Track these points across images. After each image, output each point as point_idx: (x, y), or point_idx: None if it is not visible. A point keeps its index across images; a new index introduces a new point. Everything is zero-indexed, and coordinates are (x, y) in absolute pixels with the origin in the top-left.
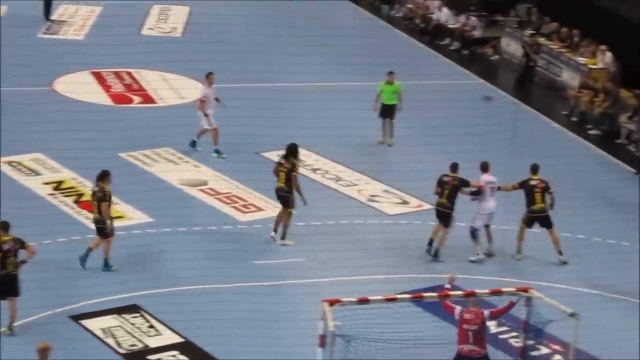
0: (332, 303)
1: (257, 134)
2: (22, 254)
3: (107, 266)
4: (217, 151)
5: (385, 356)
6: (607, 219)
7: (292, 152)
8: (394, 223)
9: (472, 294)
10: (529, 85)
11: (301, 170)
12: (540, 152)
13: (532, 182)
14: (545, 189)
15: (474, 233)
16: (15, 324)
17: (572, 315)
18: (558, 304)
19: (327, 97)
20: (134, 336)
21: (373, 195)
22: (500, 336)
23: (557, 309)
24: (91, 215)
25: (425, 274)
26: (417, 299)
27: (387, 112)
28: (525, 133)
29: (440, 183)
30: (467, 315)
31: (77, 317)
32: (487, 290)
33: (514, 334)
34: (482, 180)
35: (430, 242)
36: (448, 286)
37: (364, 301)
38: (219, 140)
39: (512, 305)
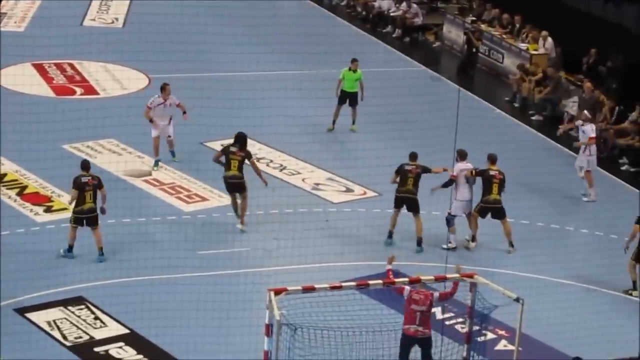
0: (277, 292)
1: (201, 123)
2: None
3: (101, 255)
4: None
5: (331, 344)
6: (550, 204)
7: (244, 141)
8: (339, 211)
9: (417, 281)
10: (471, 71)
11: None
12: (483, 138)
13: (491, 172)
14: (503, 181)
15: (449, 220)
16: None
17: (517, 300)
18: (503, 289)
19: (270, 86)
20: (79, 328)
21: (317, 184)
22: (446, 322)
23: (503, 294)
24: (35, 208)
25: (370, 261)
26: (362, 286)
27: (348, 99)
28: (469, 119)
29: (402, 172)
30: (415, 296)
31: (22, 310)
32: (431, 277)
33: (460, 319)
34: (457, 168)
35: (391, 235)
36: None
37: (309, 289)
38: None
39: (456, 285)
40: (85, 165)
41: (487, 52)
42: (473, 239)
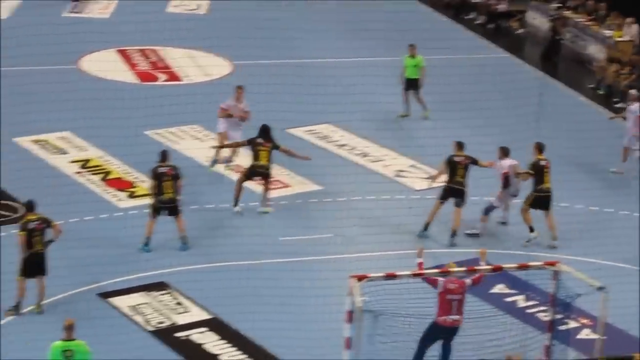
0: (359, 279)
1: (283, 110)
2: (49, 234)
3: (185, 244)
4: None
5: (413, 331)
6: (636, 192)
7: (268, 132)
8: (421, 198)
9: (499, 269)
10: (555, 58)
11: (327, 145)
12: (566, 126)
13: (542, 163)
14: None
15: (489, 210)
16: (44, 302)
17: (600, 288)
18: (586, 278)
19: (352, 72)
20: (161, 313)
21: (400, 171)
22: (528, 310)
23: (586, 282)
24: (118, 193)
25: (453, 249)
26: (444, 273)
27: (411, 85)
28: (552, 107)
29: (451, 163)
30: (451, 285)
31: (105, 295)
32: (514, 265)
33: (542, 308)
34: (505, 165)
35: (427, 227)
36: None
37: (391, 276)
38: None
39: (482, 274)
40: (164, 155)
41: (572, 39)
42: (532, 229)
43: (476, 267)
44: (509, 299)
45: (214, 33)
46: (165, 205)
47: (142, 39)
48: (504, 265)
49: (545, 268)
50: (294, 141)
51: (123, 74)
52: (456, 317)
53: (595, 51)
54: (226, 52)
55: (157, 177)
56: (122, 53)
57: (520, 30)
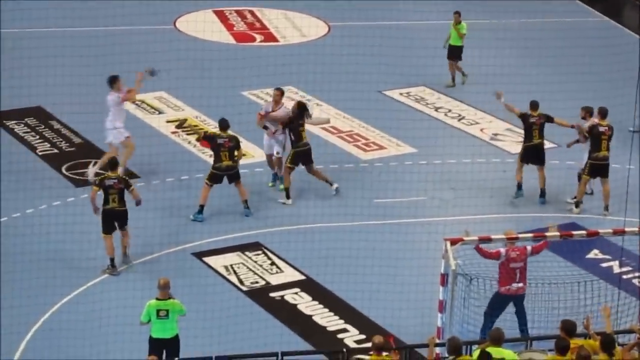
0: (454, 242)
1: (380, 72)
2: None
3: (247, 208)
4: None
5: None
6: None
7: (305, 109)
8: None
9: (595, 234)
10: None
11: (423, 108)
12: None
13: (601, 129)
14: (611, 137)
15: (581, 176)
16: (139, 261)
17: None
18: None
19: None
20: (256, 273)
21: (496, 134)
22: (624, 276)
23: None
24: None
25: (546, 213)
26: (538, 237)
27: (453, 52)
28: None
29: (529, 124)
30: (513, 254)
31: (200, 255)
32: (610, 230)
33: (638, 274)
34: (591, 123)
35: (520, 186)
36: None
37: (486, 240)
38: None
39: (546, 242)
40: (223, 124)
41: None
42: (577, 204)
43: (573, 232)
44: (604, 265)
45: None
46: (224, 172)
47: None
48: (599, 230)
49: (638, 234)
50: (390, 103)
51: (219, 34)
52: (520, 284)
53: None
54: (322, 13)
55: (216, 146)
56: (219, 14)
57: None
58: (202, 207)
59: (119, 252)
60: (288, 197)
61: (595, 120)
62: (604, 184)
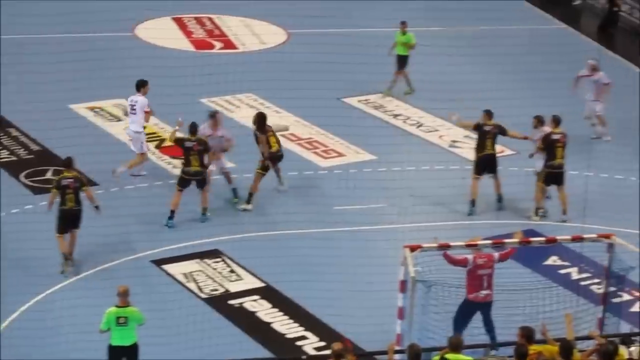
0: (413, 249)
1: (338, 79)
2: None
3: (204, 214)
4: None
5: None
6: None
7: (265, 120)
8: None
9: (554, 241)
10: (612, 30)
11: (381, 115)
12: (623, 98)
13: (555, 137)
14: (566, 144)
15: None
16: (98, 268)
17: None
18: None
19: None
20: (215, 281)
21: (454, 141)
22: (582, 283)
23: None
24: (173, 161)
25: (506, 220)
26: (497, 244)
27: (399, 62)
28: (609, 79)
29: (482, 132)
30: (480, 261)
31: (159, 262)
32: (568, 237)
33: (596, 280)
34: (542, 133)
35: (473, 203)
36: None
37: (444, 247)
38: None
39: (514, 249)
40: (193, 128)
41: (629, 11)
42: (537, 211)
43: (531, 239)
44: (563, 271)
45: (270, 1)
46: (192, 177)
47: (197, 6)
48: (558, 237)
49: (599, 240)
50: (349, 110)
51: (179, 41)
52: (487, 291)
53: None
54: (281, 21)
55: (185, 150)
56: (178, 21)
57: (577, 2)
58: (172, 212)
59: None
60: (249, 202)
61: (546, 129)
62: (560, 191)
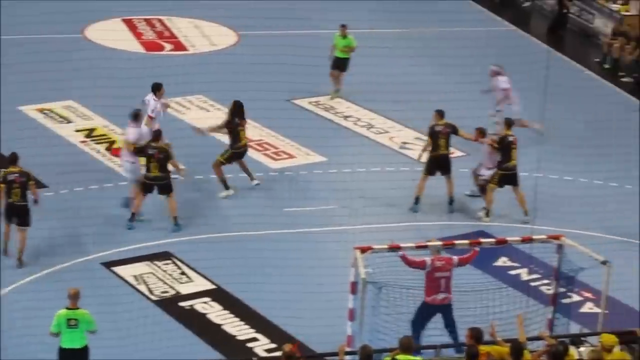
0: (363, 250)
1: (289, 81)
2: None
3: (176, 225)
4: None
5: (417, 303)
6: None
7: (243, 109)
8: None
9: (504, 242)
10: (561, 32)
11: (332, 117)
12: (573, 100)
13: (510, 138)
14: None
15: (483, 187)
16: (48, 271)
17: (603, 262)
18: (590, 252)
19: (360, 44)
20: (165, 283)
21: (405, 142)
22: (532, 284)
23: (589, 256)
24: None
25: (456, 222)
26: (448, 246)
27: (339, 64)
28: (558, 80)
29: (434, 133)
30: (438, 263)
31: (109, 264)
32: (518, 238)
33: (546, 281)
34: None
35: (418, 200)
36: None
37: (395, 248)
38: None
39: (476, 253)
40: (156, 135)
41: (578, 13)
42: (487, 213)
43: (481, 240)
44: (513, 272)
45: (220, 3)
46: (153, 182)
47: (147, 8)
48: (508, 238)
49: (549, 242)
50: (299, 112)
51: (128, 43)
52: (445, 294)
53: (602, 25)
54: (231, 22)
55: (146, 156)
56: (128, 22)
57: (527, 3)
58: (133, 214)
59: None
60: (227, 187)
61: (486, 140)
62: (516, 192)
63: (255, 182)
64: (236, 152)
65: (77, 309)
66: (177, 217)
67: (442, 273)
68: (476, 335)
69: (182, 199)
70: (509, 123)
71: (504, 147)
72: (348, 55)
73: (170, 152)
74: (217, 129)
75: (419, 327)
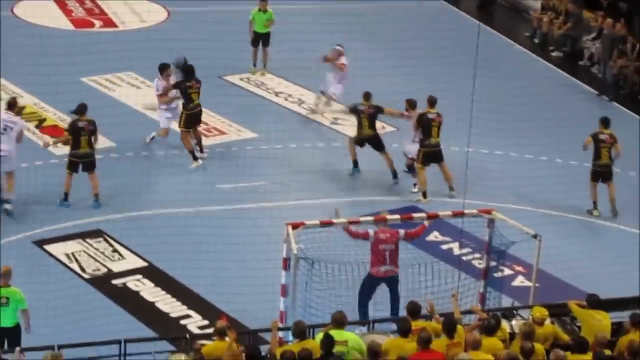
0: (295, 226)
1: (220, 57)
2: None
3: (96, 201)
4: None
5: (349, 278)
6: (567, 141)
7: (193, 71)
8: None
9: (435, 216)
10: (491, 7)
11: (263, 93)
12: (503, 74)
13: (430, 116)
14: (441, 123)
15: (410, 166)
16: None
17: (534, 236)
18: (521, 226)
19: (290, 20)
20: (97, 261)
21: (336, 118)
22: (464, 258)
23: (520, 230)
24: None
25: (388, 197)
26: (379, 221)
27: (260, 40)
28: (489, 55)
29: (357, 112)
30: (382, 235)
31: (41, 242)
32: (449, 212)
33: (477, 255)
34: (416, 114)
35: (356, 164)
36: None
37: (327, 224)
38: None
39: (424, 228)
40: (81, 109)
41: None
42: (425, 194)
43: (413, 215)
44: (444, 247)
45: None
46: (80, 159)
47: None
48: (439, 213)
49: (480, 216)
50: (230, 89)
51: (58, 20)
52: (389, 267)
53: None
54: None
55: (75, 131)
56: (57, 0)
57: None
58: (66, 194)
59: None
60: (195, 158)
61: (418, 111)
62: (441, 167)
63: (204, 155)
64: (190, 114)
65: (9, 286)
66: (99, 195)
67: (387, 245)
68: (413, 309)
69: (113, 175)
70: (431, 101)
71: (425, 125)
72: (269, 29)
73: (96, 125)
74: (167, 91)
75: (365, 297)
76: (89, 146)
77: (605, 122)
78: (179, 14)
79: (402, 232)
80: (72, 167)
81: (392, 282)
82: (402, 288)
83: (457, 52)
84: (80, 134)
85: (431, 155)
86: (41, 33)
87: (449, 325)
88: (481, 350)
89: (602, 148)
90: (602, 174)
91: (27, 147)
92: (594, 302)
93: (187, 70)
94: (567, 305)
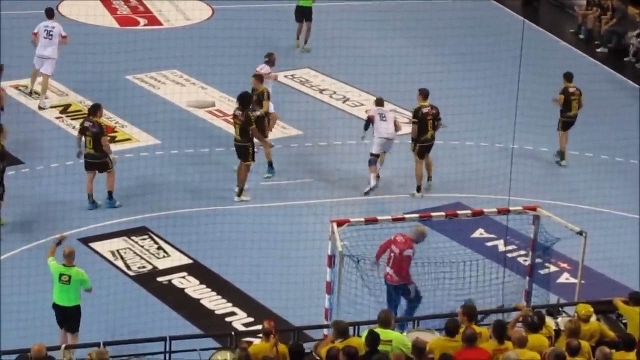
0: (340, 223)
1: (264, 54)
2: None
3: (111, 200)
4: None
5: None
6: (615, 137)
7: (247, 101)
8: (401, 143)
9: (480, 213)
10: (536, 3)
11: (307, 90)
12: (548, 71)
13: (425, 110)
14: (436, 117)
15: (371, 161)
16: (24, 248)
17: (579, 233)
18: (566, 222)
19: (334, 17)
20: (142, 258)
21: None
22: (509, 255)
23: (565, 227)
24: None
25: (434, 194)
26: (425, 218)
27: (303, 14)
28: (533, 51)
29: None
30: (399, 238)
31: (87, 240)
32: (494, 209)
33: (522, 252)
34: (373, 109)
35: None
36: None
37: (372, 221)
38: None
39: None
40: (93, 109)
41: None
42: (419, 189)
43: (457, 212)
44: (490, 244)
45: None
46: (88, 160)
47: None
48: (484, 210)
49: (525, 213)
50: (274, 86)
51: (103, 18)
52: (390, 270)
53: None
54: None
55: (81, 131)
56: None
57: None
58: (89, 195)
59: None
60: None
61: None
62: (426, 157)
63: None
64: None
65: (72, 266)
66: (112, 193)
67: (396, 248)
68: (469, 312)
69: (158, 173)
70: (424, 94)
71: (421, 120)
72: (310, 3)
73: (102, 128)
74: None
75: (388, 303)
76: (94, 148)
77: (569, 77)
78: (224, 12)
79: (413, 250)
80: (85, 166)
81: (398, 291)
82: (447, 285)
83: (501, 49)
84: (85, 134)
85: (428, 148)
86: (86, 31)
87: (501, 330)
88: (526, 347)
89: (573, 100)
90: (571, 124)
91: (73, 146)
92: (639, 299)
93: (244, 98)
94: (613, 302)
